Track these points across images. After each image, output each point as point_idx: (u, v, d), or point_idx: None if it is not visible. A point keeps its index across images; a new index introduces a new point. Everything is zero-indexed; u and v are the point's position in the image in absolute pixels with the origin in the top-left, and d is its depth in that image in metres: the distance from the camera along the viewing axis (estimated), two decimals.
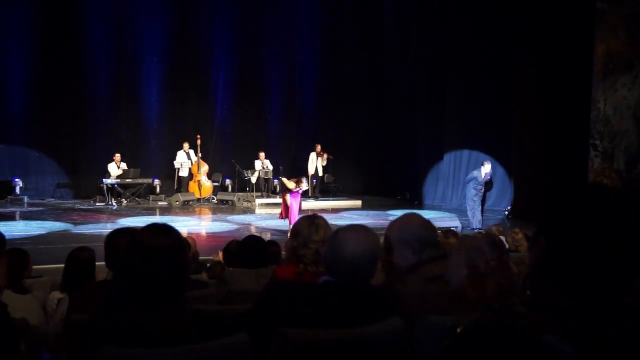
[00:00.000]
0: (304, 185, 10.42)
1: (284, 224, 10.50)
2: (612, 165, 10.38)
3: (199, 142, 15.03)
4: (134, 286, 1.78)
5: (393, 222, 2.37)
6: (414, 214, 2.40)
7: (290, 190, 10.16)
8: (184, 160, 15.06)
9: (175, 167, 15.06)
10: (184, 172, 15.04)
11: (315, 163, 15.75)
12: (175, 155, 15.17)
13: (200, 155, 15.11)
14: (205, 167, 15.12)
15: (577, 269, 1.06)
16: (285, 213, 10.21)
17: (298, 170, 16.29)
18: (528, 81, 12.61)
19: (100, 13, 14.92)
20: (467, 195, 11.64)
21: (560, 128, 11.87)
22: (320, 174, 16.01)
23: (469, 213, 11.30)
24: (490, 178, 11.67)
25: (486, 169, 11.39)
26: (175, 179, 15.14)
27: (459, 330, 1.08)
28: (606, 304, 1.05)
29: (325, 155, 15.68)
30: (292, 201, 10.06)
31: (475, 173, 11.50)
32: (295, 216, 9.72)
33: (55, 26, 14.36)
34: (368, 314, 1.96)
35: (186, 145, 15.08)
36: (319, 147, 15.73)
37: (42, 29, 14.31)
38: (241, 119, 16.73)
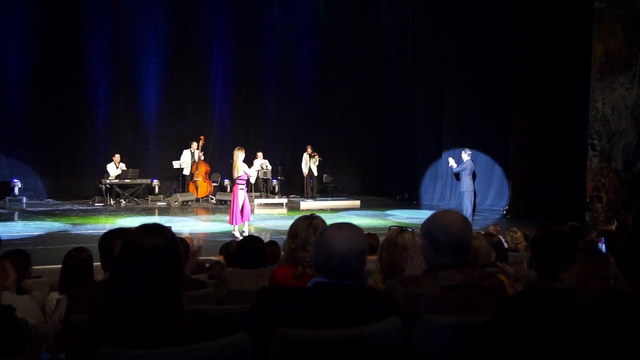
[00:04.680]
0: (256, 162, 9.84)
1: (284, 224, 10.47)
2: (611, 165, 10.39)
3: (201, 143, 15.04)
4: (130, 286, 1.78)
5: (433, 216, 2.27)
6: (458, 214, 2.28)
7: (237, 178, 9.45)
8: (187, 160, 15.05)
9: (174, 166, 15.04)
10: (186, 172, 15.07)
11: (309, 164, 15.82)
12: (181, 154, 15.16)
13: (202, 156, 15.10)
14: (204, 168, 15.11)
15: None
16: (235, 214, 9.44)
17: (297, 170, 16.33)
18: (526, 81, 12.62)
19: (98, 13, 14.91)
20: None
21: (559, 128, 11.89)
22: (315, 174, 16.05)
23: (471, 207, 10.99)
24: (458, 167, 11.18)
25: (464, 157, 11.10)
26: (180, 179, 15.19)
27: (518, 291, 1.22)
28: None
29: (316, 157, 15.73)
30: (238, 193, 9.40)
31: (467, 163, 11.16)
32: (239, 211, 9.32)
33: (54, 27, 14.35)
34: (365, 314, 1.96)
35: (194, 145, 15.09)
36: (309, 149, 15.78)
37: (41, 30, 14.29)
38: (239, 119, 16.74)
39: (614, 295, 1.13)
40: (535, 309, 1.12)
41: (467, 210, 10.75)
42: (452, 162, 11.52)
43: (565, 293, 1.14)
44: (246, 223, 9.59)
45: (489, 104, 13.93)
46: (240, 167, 9.40)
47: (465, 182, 11.04)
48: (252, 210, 13.45)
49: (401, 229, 2.82)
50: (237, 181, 9.51)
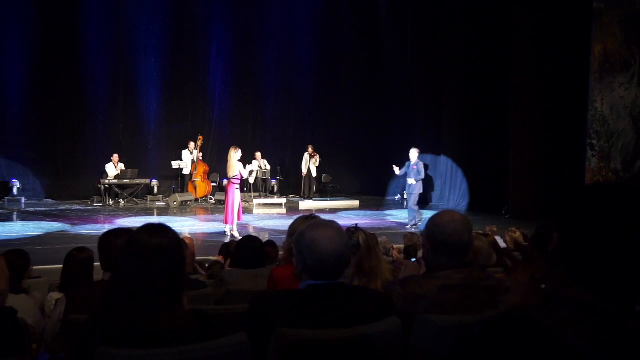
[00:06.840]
0: (251, 166, 10.01)
1: (283, 224, 10.47)
2: (609, 165, 10.41)
3: (199, 142, 15.04)
4: (132, 286, 1.77)
5: (434, 216, 2.25)
6: (457, 214, 2.24)
7: (232, 177, 9.47)
8: (186, 160, 15.04)
9: (173, 167, 15.04)
10: (185, 172, 15.07)
11: (309, 164, 15.81)
12: (180, 154, 15.15)
13: (200, 156, 15.09)
14: (203, 168, 15.10)
15: (591, 264, 1.05)
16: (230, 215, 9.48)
17: (296, 170, 16.33)
18: (525, 81, 12.61)
19: (98, 13, 14.91)
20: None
21: (558, 128, 11.89)
22: (315, 174, 16.04)
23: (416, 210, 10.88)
24: (417, 168, 10.88)
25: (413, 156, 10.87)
26: (179, 179, 15.19)
27: (479, 323, 1.07)
28: (621, 302, 1.04)
29: (317, 157, 15.73)
30: (234, 192, 9.43)
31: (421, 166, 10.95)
32: (234, 211, 9.36)
33: (53, 27, 14.34)
34: (364, 314, 1.96)
35: (192, 145, 15.09)
36: (310, 149, 15.77)
37: (40, 30, 14.29)
38: (238, 119, 16.74)
39: (576, 308, 1.02)
40: (500, 344, 1.01)
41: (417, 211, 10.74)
42: (398, 170, 11.20)
43: (527, 317, 1.02)
44: (235, 222, 9.57)
45: (488, 104, 13.92)
46: (235, 167, 9.41)
47: (419, 183, 10.98)
48: (251, 211, 13.51)
49: (355, 228, 2.81)
50: (233, 180, 9.51)
